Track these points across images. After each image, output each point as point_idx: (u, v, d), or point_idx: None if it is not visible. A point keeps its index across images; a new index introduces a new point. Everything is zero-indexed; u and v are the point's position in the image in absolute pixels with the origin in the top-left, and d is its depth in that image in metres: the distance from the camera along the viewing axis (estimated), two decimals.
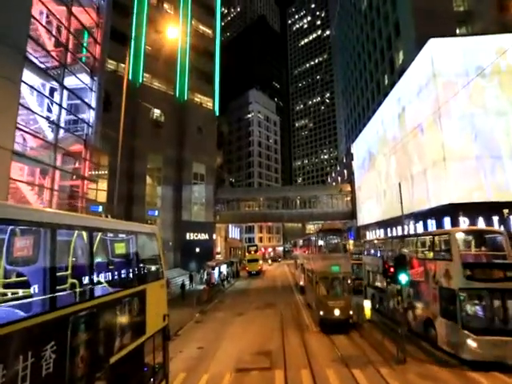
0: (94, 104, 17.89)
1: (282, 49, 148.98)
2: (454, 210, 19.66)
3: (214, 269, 30.15)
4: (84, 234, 4.74)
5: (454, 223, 19.15)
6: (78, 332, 4.07)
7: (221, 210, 44.73)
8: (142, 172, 36.11)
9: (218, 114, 46.82)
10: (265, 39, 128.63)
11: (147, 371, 6.07)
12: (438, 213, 21.38)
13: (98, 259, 5.31)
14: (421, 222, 23.85)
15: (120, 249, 6.44)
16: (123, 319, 5.26)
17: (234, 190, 54.01)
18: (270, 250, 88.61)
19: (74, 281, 4.52)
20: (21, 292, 4.14)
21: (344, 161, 50.64)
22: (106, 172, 33.50)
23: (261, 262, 46.09)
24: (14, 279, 4.31)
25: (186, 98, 41.75)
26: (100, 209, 32.64)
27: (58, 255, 3.95)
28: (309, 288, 19.70)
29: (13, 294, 4.18)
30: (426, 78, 22.35)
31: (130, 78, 36.29)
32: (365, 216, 39.34)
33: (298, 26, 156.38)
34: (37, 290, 3.88)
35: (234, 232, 66.33)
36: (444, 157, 20.29)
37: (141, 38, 37.39)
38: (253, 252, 46.93)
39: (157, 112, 39.13)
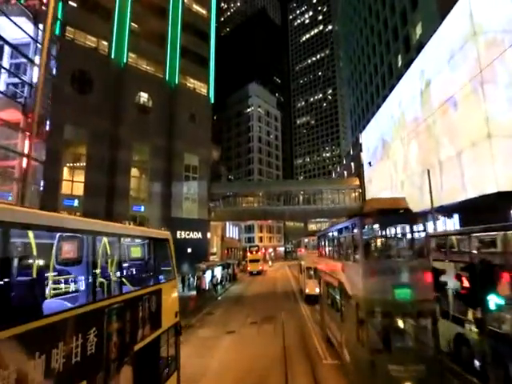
0: (37, 60, 13.69)
1: (283, 44, 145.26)
2: (502, 201, 15.47)
3: (204, 272, 25.98)
4: (114, 239, 5.44)
5: (505, 217, 14.91)
6: (112, 322, 4.69)
7: (216, 206, 40.53)
8: (126, 163, 31.94)
9: (213, 101, 42.62)
10: (265, 32, 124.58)
11: (162, 362, 6.52)
12: (477, 205, 17.18)
13: (123, 261, 5.98)
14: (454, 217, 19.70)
15: (140, 252, 7.31)
16: (144, 313, 5.74)
17: (231, 185, 49.68)
18: (270, 250, 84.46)
19: (107, 279, 5.32)
20: (68, 287, 5.26)
21: (351, 153, 46.39)
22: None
23: (261, 262, 47.26)
24: (62, 276, 5.24)
25: (177, 81, 37.64)
26: (76, 203, 28.65)
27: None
28: (331, 316, 11.54)
29: (61, 288, 5.25)
30: (462, 39, 18.16)
31: (113, 56, 32.23)
32: None
33: (299, 21, 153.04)
34: (81, 286, 4.70)
35: (233, 231, 62.17)
36: (489, 133, 16.10)
37: (125, 13, 33.27)
38: (254, 252, 48.03)
39: (144, 96, 35.02)
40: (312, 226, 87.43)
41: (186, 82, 39.59)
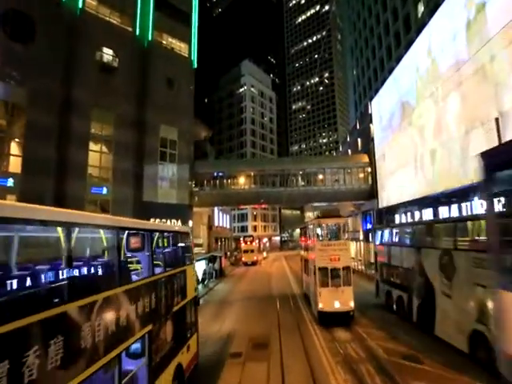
0: None
1: (278, 23, 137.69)
2: None
3: None
4: (160, 234, 7.77)
5: None
6: (162, 290, 6.86)
7: (201, 189, 34.28)
8: (83, 133, 25.25)
9: (195, 65, 35.97)
10: (259, 8, 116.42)
11: (188, 324, 8.74)
12: None
13: (164, 248, 8.20)
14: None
15: (169, 242, 8.86)
16: (177, 286, 8.01)
17: (218, 163, 42.91)
18: (265, 240, 78.69)
19: (156, 261, 7.17)
20: (136, 266, 7.26)
21: (357, 127, 40.14)
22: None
23: (256, 253, 47.01)
24: (132, 259, 7.23)
25: (150, 38, 30.91)
26: (10, 182, 22.27)
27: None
28: None
29: (132, 268, 7.08)
30: None
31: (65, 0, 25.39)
32: (391, 195, 29.11)
33: (294, 1, 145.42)
34: (144, 266, 6.72)
35: (223, 220, 56.09)
36: None
37: None
38: (248, 243, 47.26)
39: (107, 52, 28.25)
40: (309, 214, 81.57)
41: (162, 39, 32.86)
